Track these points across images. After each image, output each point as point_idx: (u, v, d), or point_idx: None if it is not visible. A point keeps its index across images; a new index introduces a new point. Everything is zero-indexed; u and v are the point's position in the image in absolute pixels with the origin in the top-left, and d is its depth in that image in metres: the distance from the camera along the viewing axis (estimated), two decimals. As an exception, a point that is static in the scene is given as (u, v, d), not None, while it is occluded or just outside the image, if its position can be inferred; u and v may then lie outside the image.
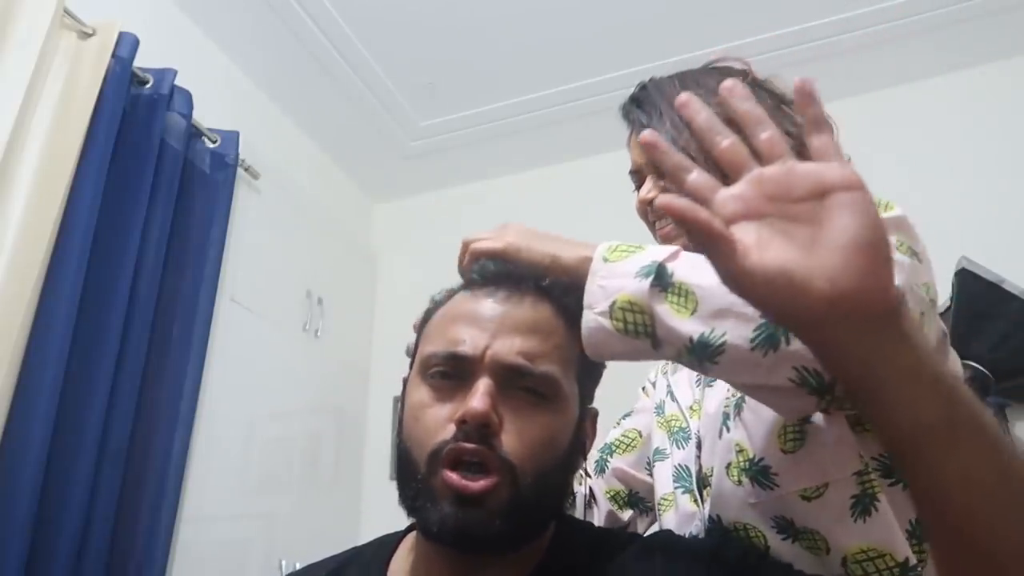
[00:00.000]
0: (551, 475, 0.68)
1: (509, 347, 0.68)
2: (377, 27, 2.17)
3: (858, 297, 0.44)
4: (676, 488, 0.89)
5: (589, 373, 0.76)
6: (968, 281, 1.85)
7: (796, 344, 0.60)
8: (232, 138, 1.96)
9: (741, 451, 0.79)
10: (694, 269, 0.66)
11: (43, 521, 1.32)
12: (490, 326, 0.70)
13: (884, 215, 0.62)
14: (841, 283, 0.44)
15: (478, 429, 0.65)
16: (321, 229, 2.49)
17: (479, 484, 0.64)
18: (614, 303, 0.68)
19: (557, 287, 0.74)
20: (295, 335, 2.26)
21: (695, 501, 0.85)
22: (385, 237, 2.85)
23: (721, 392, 0.85)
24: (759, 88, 0.96)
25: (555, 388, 0.69)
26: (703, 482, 0.85)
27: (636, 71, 2.06)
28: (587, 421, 0.77)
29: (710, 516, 0.82)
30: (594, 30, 2.17)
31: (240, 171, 2.01)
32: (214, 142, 1.93)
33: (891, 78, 2.29)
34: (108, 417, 1.47)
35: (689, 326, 0.65)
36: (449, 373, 0.69)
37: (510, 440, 0.66)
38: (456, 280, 0.80)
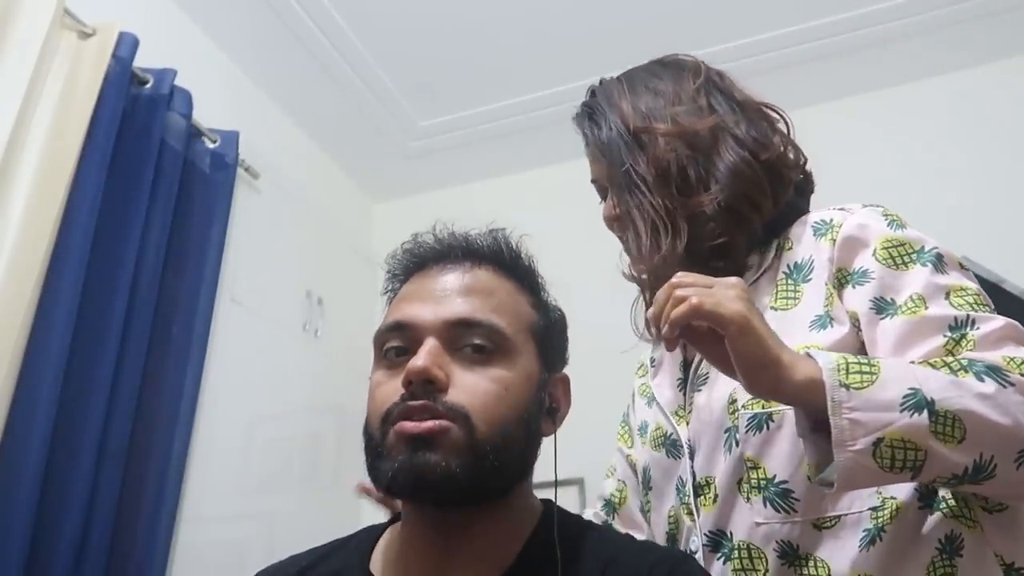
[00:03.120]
0: (511, 427, 0.67)
1: (452, 308, 0.71)
2: (377, 27, 2.17)
3: None
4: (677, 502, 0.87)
5: (548, 337, 0.76)
6: (968, 281, 1.84)
7: None
8: (232, 138, 1.96)
9: (755, 468, 0.77)
10: (946, 391, 0.64)
11: (43, 521, 1.31)
12: (433, 295, 0.73)
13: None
14: None
15: (423, 385, 0.65)
16: (321, 229, 2.48)
17: (428, 424, 0.64)
18: (880, 440, 0.63)
19: (501, 254, 0.76)
20: (295, 335, 2.25)
21: (689, 514, 0.84)
22: (385, 237, 2.84)
23: (716, 399, 0.83)
24: (712, 87, 0.93)
25: (502, 339, 0.70)
26: (697, 491, 0.83)
27: (636, 71, 2.06)
28: (555, 387, 0.76)
29: (710, 531, 0.80)
30: (594, 30, 2.17)
31: (240, 171, 2.00)
32: (214, 142, 1.93)
33: (891, 78, 2.29)
34: (108, 417, 1.46)
35: (960, 456, 0.63)
36: (401, 348, 0.70)
37: (459, 393, 0.66)
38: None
